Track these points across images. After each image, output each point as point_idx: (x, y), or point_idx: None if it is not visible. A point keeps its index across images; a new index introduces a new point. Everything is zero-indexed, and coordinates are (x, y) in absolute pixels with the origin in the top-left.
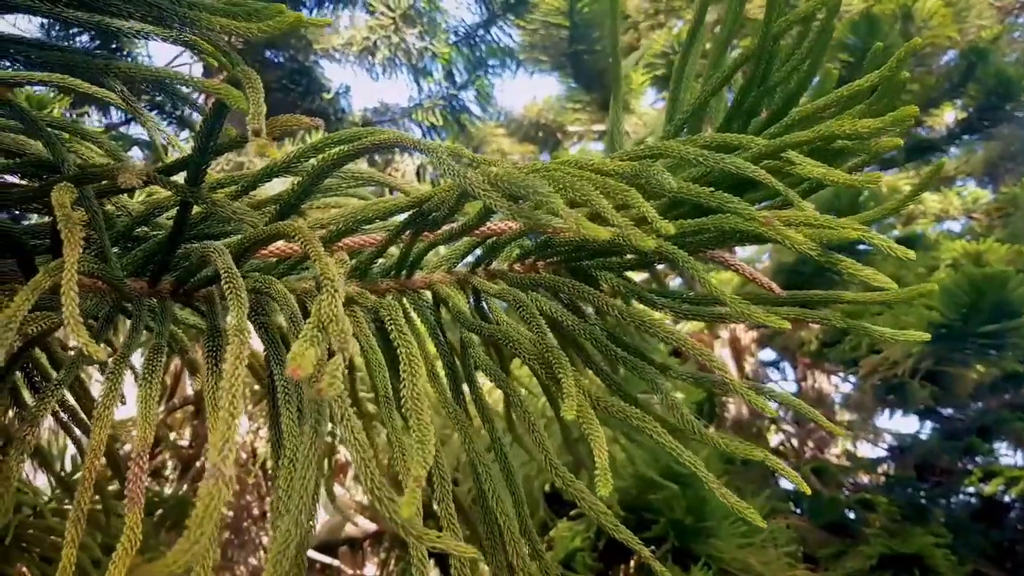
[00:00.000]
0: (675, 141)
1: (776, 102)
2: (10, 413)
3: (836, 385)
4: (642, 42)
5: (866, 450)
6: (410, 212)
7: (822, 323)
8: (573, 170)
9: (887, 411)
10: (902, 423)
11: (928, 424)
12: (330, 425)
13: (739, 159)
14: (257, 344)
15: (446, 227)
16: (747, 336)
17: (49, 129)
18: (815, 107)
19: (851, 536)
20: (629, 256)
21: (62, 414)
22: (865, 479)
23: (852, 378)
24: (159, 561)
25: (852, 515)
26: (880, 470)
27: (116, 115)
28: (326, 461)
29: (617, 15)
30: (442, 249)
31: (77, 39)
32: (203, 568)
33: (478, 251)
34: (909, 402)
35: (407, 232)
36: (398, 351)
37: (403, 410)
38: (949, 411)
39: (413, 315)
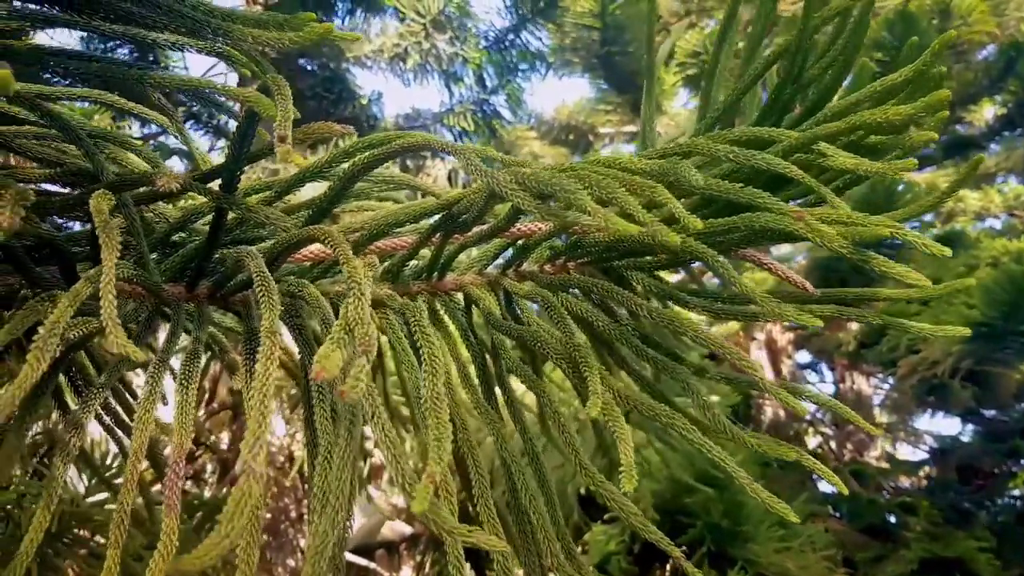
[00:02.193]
0: (704, 138)
1: (810, 98)
2: (54, 416)
3: (875, 386)
4: (670, 39)
5: (906, 452)
6: (440, 215)
7: (857, 320)
8: (600, 168)
9: (927, 412)
10: (943, 425)
11: (970, 426)
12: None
13: (769, 155)
14: (294, 347)
15: (476, 229)
16: (783, 338)
17: (88, 138)
18: (848, 102)
19: (891, 540)
20: (661, 256)
21: (106, 417)
22: (905, 482)
23: (891, 379)
24: (190, 554)
25: (892, 519)
26: (921, 473)
27: (155, 125)
28: (362, 464)
29: (653, 12)
30: (474, 251)
31: (116, 52)
32: (247, 566)
33: (509, 252)
34: (950, 403)
35: (437, 234)
36: (420, 351)
37: (423, 409)
38: (992, 412)
39: (445, 317)
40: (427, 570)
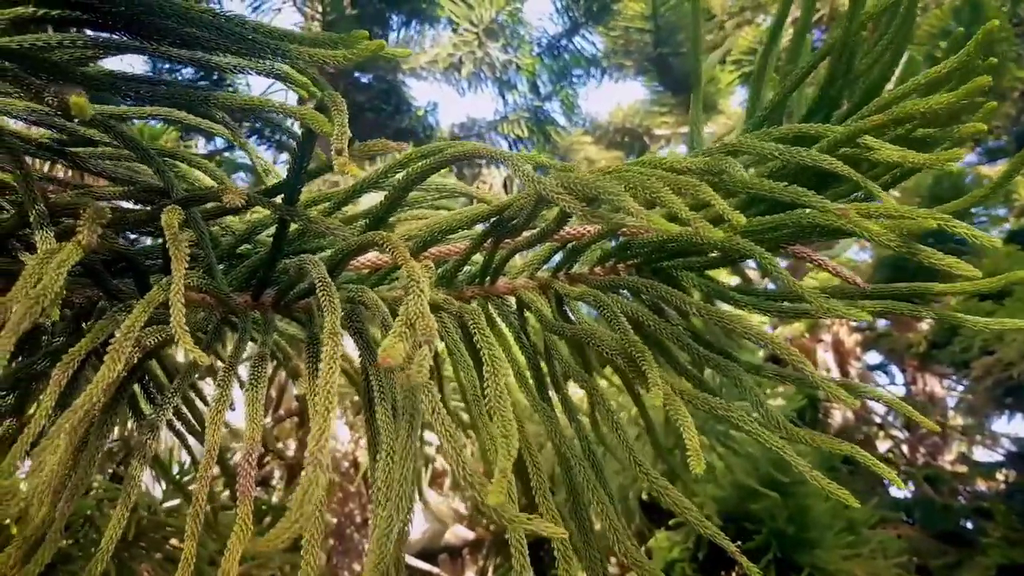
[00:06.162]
0: (750, 136)
1: (858, 93)
2: (129, 423)
3: (949, 387)
4: (729, 40)
5: (982, 456)
6: (491, 220)
7: (910, 316)
8: (645, 169)
9: (1004, 415)
10: (1021, 427)
11: None
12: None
13: (815, 152)
14: (353, 353)
15: (527, 233)
16: (850, 339)
17: (159, 157)
18: (893, 96)
19: (967, 546)
20: (711, 255)
21: (176, 423)
22: (982, 486)
23: (965, 381)
24: (265, 536)
25: (968, 524)
26: (999, 476)
27: (220, 142)
28: (424, 470)
29: (699, 15)
30: (528, 254)
31: (182, 72)
32: (311, 555)
33: (560, 255)
34: None
35: (489, 240)
36: (481, 352)
37: (487, 407)
38: None
39: (499, 320)
40: (490, 575)
